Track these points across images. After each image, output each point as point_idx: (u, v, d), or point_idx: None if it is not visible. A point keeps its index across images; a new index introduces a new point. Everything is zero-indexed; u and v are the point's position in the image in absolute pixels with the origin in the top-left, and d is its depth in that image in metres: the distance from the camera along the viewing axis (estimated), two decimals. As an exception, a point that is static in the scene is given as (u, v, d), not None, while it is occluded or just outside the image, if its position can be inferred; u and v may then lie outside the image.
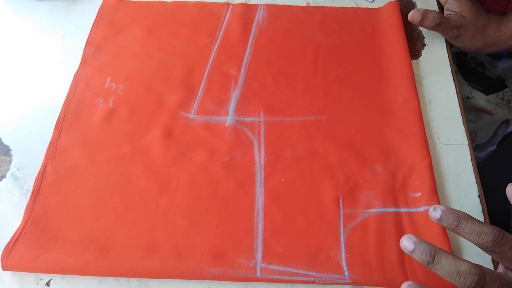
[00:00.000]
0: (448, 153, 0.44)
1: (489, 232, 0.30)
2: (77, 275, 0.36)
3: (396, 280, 0.36)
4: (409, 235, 0.32)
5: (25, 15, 0.56)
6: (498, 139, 1.04)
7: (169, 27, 0.53)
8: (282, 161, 0.43)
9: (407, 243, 0.31)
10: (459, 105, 0.47)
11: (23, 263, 0.36)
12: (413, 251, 0.31)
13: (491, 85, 1.07)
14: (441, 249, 0.30)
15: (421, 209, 0.39)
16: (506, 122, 1.00)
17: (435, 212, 0.32)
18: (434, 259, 0.30)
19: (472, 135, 1.03)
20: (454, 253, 0.37)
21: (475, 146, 1.05)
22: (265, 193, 0.41)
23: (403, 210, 0.39)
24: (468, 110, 1.00)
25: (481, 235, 0.30)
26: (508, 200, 0.34)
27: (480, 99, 0.97)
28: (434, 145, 0.44)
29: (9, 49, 0.52)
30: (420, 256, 0.30)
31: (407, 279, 0.36)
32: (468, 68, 1.09)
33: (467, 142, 0.44)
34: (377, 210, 0.39)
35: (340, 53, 0.51)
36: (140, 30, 0.53)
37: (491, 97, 0.97)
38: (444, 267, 0.29)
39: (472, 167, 0.43)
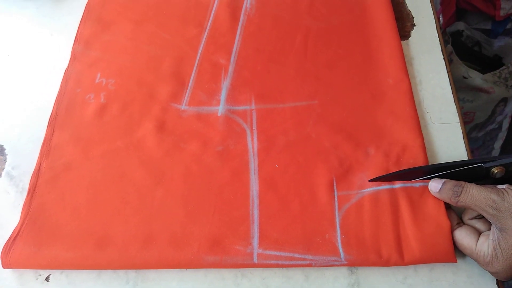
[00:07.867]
0: (440, 132, 0.44)
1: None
2: (75, 269, 0.37)
3: (392, 258, 0.36)
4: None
5: (13, 13, 0.56)
6: (497, 118, 1.03)
7: (157, 19, 0.53)
8: (275, 147, 0.43)
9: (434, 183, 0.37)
10: (450, 84, 0.47)
11: (23, 260, 0.37)
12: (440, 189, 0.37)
13: (488, 64, 1.06)
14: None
15: (417, 184, 0.39)
16: (504, 100, 1.00)
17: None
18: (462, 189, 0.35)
19: (470, 114, 1.03)
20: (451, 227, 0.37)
21: (474, 126, 1.05)
22: (260, 180, 0.41)
23: (398, 186, 0.40)
24: (465, 90, 1.00)
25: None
26: None
27: (477, 78, 0.96)
28: (426, 125, 0.44)
29: (-1, 48, 0.52)
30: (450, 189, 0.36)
31: (402, 256, 0.36)
32: (464, 48, 1.08)
33: (458, 121, 0.44)
34: (372, 189, 0.40)
35: (329, 36, 0.50)
36: (128, 23, 0.53)
37: (488, 75, 0.96)
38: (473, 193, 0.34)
39: (464, 145, 0.43)
